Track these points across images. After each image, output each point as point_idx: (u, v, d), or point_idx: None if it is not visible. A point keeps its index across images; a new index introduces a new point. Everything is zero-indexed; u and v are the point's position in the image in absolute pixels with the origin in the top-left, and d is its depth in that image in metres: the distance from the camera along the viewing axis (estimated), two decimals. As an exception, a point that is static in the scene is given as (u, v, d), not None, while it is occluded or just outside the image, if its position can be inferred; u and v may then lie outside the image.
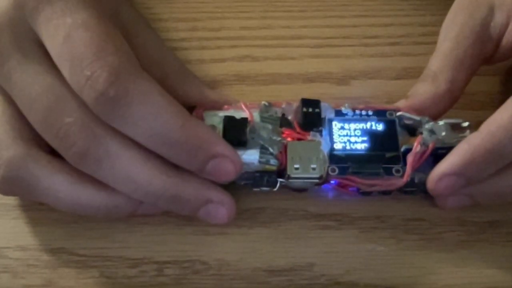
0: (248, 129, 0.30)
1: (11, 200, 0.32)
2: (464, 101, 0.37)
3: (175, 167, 0.28)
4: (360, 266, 0.30)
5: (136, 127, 0.27)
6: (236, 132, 0.30)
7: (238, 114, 0.30)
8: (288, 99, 0.33)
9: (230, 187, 0.31)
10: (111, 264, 0.30)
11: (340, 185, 0.31)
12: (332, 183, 0.31)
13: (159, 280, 0.30)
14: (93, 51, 0.26)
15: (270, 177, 0.30)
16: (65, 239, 0.31)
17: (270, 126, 0.31)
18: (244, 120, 0.30)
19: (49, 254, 0.30)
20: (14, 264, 0.30)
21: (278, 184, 0.31)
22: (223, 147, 0.28)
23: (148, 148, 0.27)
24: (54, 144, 0.28)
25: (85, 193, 0.28)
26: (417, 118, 0.31)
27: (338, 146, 0.31)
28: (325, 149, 0.30)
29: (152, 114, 0.26)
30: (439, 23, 0.35)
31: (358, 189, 0.31)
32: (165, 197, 0.28)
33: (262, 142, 0.30)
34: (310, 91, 0.33)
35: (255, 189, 0.31)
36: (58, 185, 0.28)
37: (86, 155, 0.27)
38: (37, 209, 0.31)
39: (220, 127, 0.30)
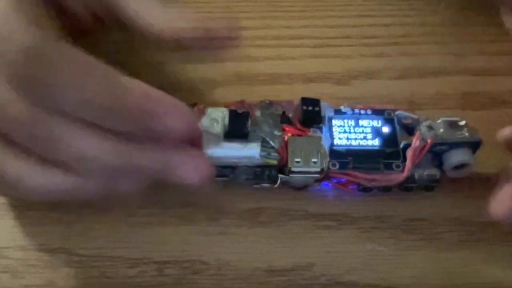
0: (249, 122, 0.30)
1: (11, 200, 0.32)
2: (464, 101, 0.37)
3: (128, 138, 0.27)
4: (360, 266, 0.30)
5: (63, 100, 0.25)
6: (238, 125, 0.30)
7: (240, 110, 0.31)
8: (288, 99, 0.33)
9: (230, 186, 0.31)
10: (111, 264, 0.30)
11: (340, 183, 0.31)
12: (332, 181, 0.31)
13: (159, 280, 0.30)
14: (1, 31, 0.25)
15: (271, 172, 0.31)
16: (65, 239, 0.31)
17: (271, 121, 0.31)
18: (246, 114, 0.30)
19: (49, 254, 0.30)
20: (14, 264, 0.30)
21: (279, 180, 0.31)
22: (165, 101, 0.26)
23: (89, 120, 0.26)
24: (4, 130, 0.26)
25: (52, 177, 0.27)
26: (415, 116, 0.32)
27: (338, 142, 0.31)
28: (325, 144, 0.30)
29: (76, 82, 0.24)
30: (439, 23, 0.35)
31: (358, 187, 0.31)
32: (126, 169, 0.27)
33: (263, 136, 0.30)
34: (310, 91, 0.33)
35: (256, 186, 0.31)
36: (25, 171, 0.27)
37: (33, 138, 0.26)
38: (37, 209, 0.31)
39: (221, 122, 0.30)
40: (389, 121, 0.32)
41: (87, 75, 0.25)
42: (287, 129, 0.31)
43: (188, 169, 0.27)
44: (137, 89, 0.26)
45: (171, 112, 0.26)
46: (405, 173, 0.30)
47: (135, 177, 0.28)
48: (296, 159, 0.30)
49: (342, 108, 0.32)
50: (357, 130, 0.32)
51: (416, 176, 0.31)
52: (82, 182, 0.27)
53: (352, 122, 0.32)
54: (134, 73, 0.38)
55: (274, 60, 0.39)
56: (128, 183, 0.28)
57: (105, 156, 0.26)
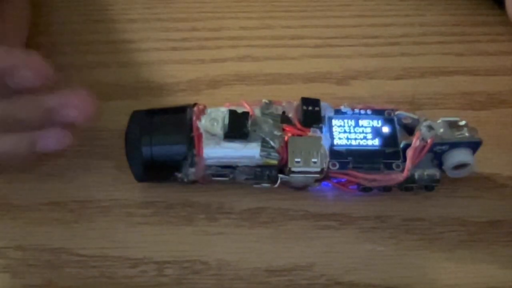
0: (249, 122, 0.30)
1: (11, 200, 0.32)
2: (464, 101, 0.37)
3: None
4: (360, 266, 0.30)
5: None
6: (238, 125, 0.30)
7: (240, 110, 0.31)
8: (288, 99, 0.33)
9: (230, 186, 0.31)
10: (111, 264, 0.30)
11: (340, 183, 0.31)
12: (332, 181, 0.31)
13: (159, 280, 0.30)
14: None
15: (271, 172, 0.31)
16: (65, 239, 0.31)
17: (271, 121, 0.31)
18: (246, 114, 0.30)
19: (49, 254, 0.30)
20: (14, 264, 0.30)
21: (279, 180, 0.31)
22: (13, 57, 0.28)
23: None
24: None
25: None
26: (415, 116, 0.32)
27: (338, 142, 0.31)
28: (325, 144, 0.30)
29: None
30: (439, 23, 0.35)
31: (358, 187, 0.32)
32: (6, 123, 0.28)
33: (263, 136, 0.30)
34: (310, 91, 0.33)
35: (256, 186, 0.31)
36: None
37: None
38: (37, 209, 0.31)
39: (221, 122, 0.30)
40: (389, 121, 0.32)
41: None
42: (287, 129, 0.31)
43: (73, 106, 0.28)
44: None
45: (21, 65, 0.27)
46: (405, 173, 0.30)
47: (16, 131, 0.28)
48: (296, 159, 0.30)
49: (342, 108, 0.32)
50: (357, 130, 0.32)
51: (416, 176, 0.31)
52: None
53: (352, 122, 0.32)
54: (137, 73, 0.38)
55: (274, 60, 0.39)
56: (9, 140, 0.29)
57: None
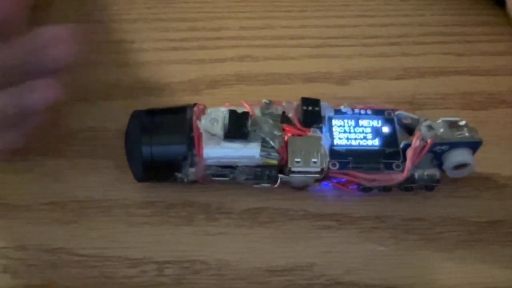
0: (249, 122, 0.30)
1: (11, 200, 0.32)
2: (464, 101, 0.37)
3: None
4: (360, 266, 0.30)
5: None
6: (238, 125, 0.30)
7: (240, 110, 0.31)
8: (288, 99, 0.33)
9: (230, 186, 0.31)
10: (111, 264, 0.30)
11: (340, 183, 0.31)
12: (332, 181, 0.31)
13: (159, 280, 0.30)
14: None
15: (271, 172, 0.31)
16: (65, 239, 0.31)
17: (271, 121, 0.31)
18: (246, 114, 0.30)
19: (49, 254, 0.30)
20: (14, 264, 0.30)
21: (279, 180, 0.31)
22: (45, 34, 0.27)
23: None
24: None
25: None
26: (415, 116, 0.32)
27: (338, 142, 0.31)
28: (325, 144, 0.30)
29: None
30: (439, 23, 0.35)
31: (359, 187, 0.32)
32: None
33: (263, 136, 0.30)
34: (310, 91, 0.33)
35: (256, 186, 0.31)
36: None
37: None
38: (37, 209, 0.31)
39: (221, 122, 0.30)
40: (389, 121, 0.32)
41: None
42: (287, 129, 0.31)
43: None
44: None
45: (54, 43, 0.27)
46: (405, 173, 0.30)
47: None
48: (296, 159, 0.30)
49: (342, 108, 0.32)
50: (357, 130, 0.32)
51: (416, 176, 0.31)
52: None
53: (352, 122, 0.32)
54: (137, 73, 0.38)
55: (274, 60, 0.39)
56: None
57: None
